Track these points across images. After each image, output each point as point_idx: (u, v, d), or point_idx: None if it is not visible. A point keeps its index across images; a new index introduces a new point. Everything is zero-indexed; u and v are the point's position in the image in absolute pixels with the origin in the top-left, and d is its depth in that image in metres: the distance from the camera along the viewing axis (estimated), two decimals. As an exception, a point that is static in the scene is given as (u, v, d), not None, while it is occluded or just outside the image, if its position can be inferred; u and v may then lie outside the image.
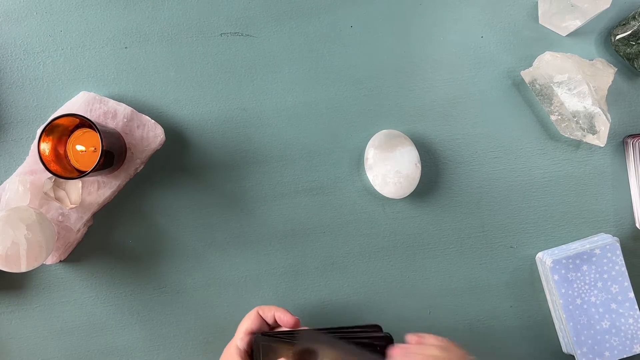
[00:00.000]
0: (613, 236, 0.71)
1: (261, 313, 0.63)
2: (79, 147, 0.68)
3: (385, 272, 0.73)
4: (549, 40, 0.74)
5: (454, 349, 0.60)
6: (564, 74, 0.70)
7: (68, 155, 0.68)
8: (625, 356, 0.67)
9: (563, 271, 0.68)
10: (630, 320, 0.67)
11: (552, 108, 0.71)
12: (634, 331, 0.67)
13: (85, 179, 0.68)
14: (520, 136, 0.73)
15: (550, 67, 0.70)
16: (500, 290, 0.73)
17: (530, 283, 0.73)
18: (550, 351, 0.73)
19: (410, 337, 0.61)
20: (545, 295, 0.73)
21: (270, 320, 0.63)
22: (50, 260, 0.70)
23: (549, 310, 0.73)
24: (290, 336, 0.60)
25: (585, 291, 0.68)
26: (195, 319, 0.73)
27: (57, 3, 0.73)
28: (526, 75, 0.72)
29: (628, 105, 0.74)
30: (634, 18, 0.71)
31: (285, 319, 0.62)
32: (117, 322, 0.72)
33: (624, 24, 0.72)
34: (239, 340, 0.61)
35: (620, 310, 0.67)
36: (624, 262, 0.68)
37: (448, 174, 0.73)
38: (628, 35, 0.71)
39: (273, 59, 0.74)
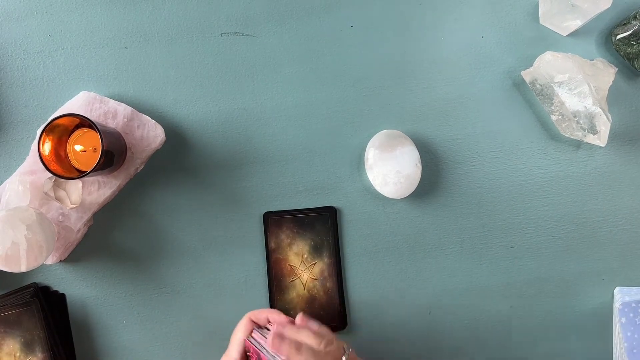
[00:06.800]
0: None
1: (253, 317, 0.62)
2: (79, 147, 0.68)
3: (385, 272, 0.73)
4: (549, 40, 0.74)
5: (333, 345, 0.58)
6: (565, 74, 0.69)
7: (68, 155, 0.68)
8: None
9: (631, 315, 0.67)
10: None
11: (553, 108, 0.71)
12: None
13: (86, 179, 0.68)
14: (520, 136, 0.73)
15: (550, 67, 0.70)
16: (501, 290, 0.73)
17: (530, 283, 0.73)
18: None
19: (298, 318, 0.60)
20: (545, 295, 0.72)
21: (263, 323, 0.62)
22: (50, 260, 0.70)
23: (549, 310, 0.72)
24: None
25: None
26: (195, 319, 0.73)
27: (57, 3, 0.73)
28: (527, 75, 0.72)
29: (629, 105, 0.73)
30: (634, 18, 0.71)
31: (280, 319, 0.61)
32: (117, 322, 0.72)
33: (624, 24, 0.72)
34: (234, 351, 0.60)
35: None
36: None
37: (448, 174, 0.73)
38: (629, 35, 0.71)
39: (273, 59, 0.74)
